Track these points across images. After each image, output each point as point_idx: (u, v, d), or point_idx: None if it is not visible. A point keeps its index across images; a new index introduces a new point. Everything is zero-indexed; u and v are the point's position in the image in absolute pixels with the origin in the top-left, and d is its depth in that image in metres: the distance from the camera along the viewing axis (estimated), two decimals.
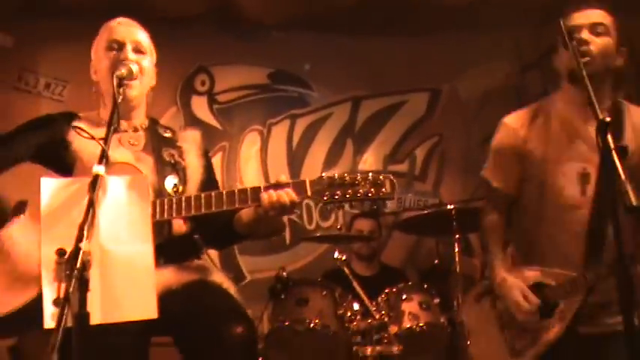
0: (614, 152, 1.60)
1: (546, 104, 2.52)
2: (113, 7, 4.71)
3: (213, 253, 2.59)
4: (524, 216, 2.49)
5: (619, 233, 1.60)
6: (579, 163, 2.32)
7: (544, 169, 2.39)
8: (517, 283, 2.35)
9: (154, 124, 2.40)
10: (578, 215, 2.32)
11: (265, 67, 5.51)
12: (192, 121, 5.29)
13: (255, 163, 5.41)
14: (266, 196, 2.04)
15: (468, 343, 2.59)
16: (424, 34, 5.24)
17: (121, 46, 2.25)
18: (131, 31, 2.30)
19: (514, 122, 2.54)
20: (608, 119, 1.69)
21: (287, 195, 2.04)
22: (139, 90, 2.27)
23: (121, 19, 2.34)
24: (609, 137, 1.64)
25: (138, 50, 2.27)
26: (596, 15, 2.36)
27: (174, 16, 4.97)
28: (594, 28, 2.32)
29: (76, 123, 2.20)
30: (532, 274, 2.37)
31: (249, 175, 5.37)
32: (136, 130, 2.31)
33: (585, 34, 2.28)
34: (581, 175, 2.32)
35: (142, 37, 2.32)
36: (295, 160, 5.44)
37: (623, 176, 1.54)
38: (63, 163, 2.14)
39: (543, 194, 2.39)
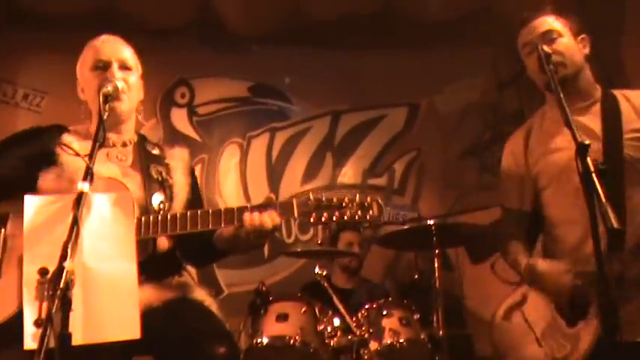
0: (594, 175, 1.64)
1: (538, 117, 2.59)
2: (94, 20, 4.78)
3: (190, 268, 2.58)
4: (548, 225, 2.51)
5: (600, 251, 1.64)
6: (590, 158, 2.32)
7: (556, 175, 2.42)
8: (536, 262, 2.38)
9: (142, 140, 2.41)
10: None
11: (246, 80, 5.54)
12: (172, 133, 5.29)
13: (235, 176, 5.40)
14: (248, 219, 2.04)
15: None
16: (403, 49, 5.29)
17: (106, 64, 2.26)
18: (116, 49, 2.30)
19: (513, 144, 2.63)
20: (587, 142, 1.72)
21: (270, 218, 2.04)
22: (129, 104, 2.28)
23: (104, 37, 2.34)
24: (589, 160, 1.68)
25: (124, 67, 2.28)
26: (542, 24, 2.43)
27: (156, 29, 4.97)
28: (545, 37, 2.38)
29: (65, 136, 2.20)
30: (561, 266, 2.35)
31: (228, 188, 5.36)
32: (124, 145, 2.31)
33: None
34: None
35: (127, 53, 2.32)
36: (275, 172, 5.44)
37: (603, 198, 1.57)
38: None
39: (560, 199, 2.41)
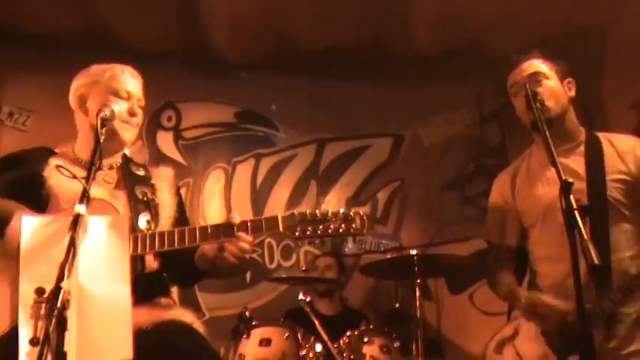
0: (576, 212, 1.71)
1: (526, 157, 2.68)
2: (82, 41, 4.81)
3: (173, 289, 2.60)
4: (533, 262, 2.59)
5: (580, 287, 1.70)
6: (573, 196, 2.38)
7: (541, 214, 2.49)
8: (540, 295, 2.43)
9: (127, 161, 2.45)
10: None
11: (232, 105, 5.58)
12: (157, 156, 5.31)
13: (219, 201, 5.42)
14: (228, 252, 2.13)
15: None
16: (389, 81, 5.37)
17: (129, 97, 2.33)
18: (137, 86, 2.39)
19: (501, 181, 2.71)
20: (570, 180, 1.79)
21: (245, 242, 2.12)
22: (132, 135, 2.36)
23: (129, 70, 2.41)
24: (572, 198, 1.75)
25: (140, 105, 2.38)
26: (530, 66, 2.53)
27: (144, 51, 4.99)
28: (533, 78, 2.47)
29: (54, 160, 2.22)
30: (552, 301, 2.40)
31: (212, 212, 5.37)
32: (111, 167, 2.36)
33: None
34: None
35: (141, 92, 2.41)
36: (259, 198, 5.47)
37: (585, 235, 1.64)
38: (38, 199, 2.16)
39: (546, 236, 2.48)
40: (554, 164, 1.91)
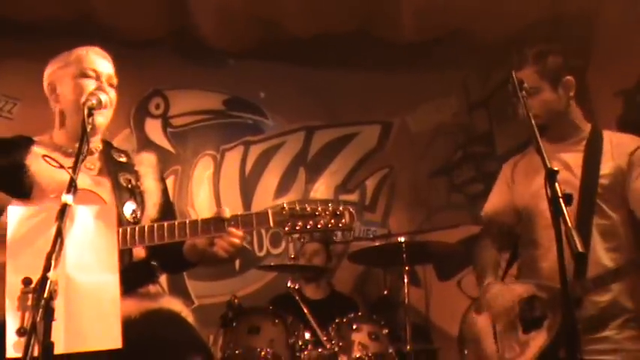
0: (561, 200, 1.72)
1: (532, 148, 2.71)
2: (70, 28, 4.78)
3: (162, 277, 2.61)
4: (523, 243, 2.66)
5: (564, 273, 1.72)
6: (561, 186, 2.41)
7: (531, 198, 2.55)
8: (501, 290, 2.55)
9: (108, 147, 2.43)
10: None
11: (221, 93, 5.58)
12: (146, 143, 5.29)
13: (208, 188, 5.42)
14: (218, 247, 2.14)
15: (466, 352, 2.74)
16: (377, 69, 5.39)
17: (98, 76, 2.30)
18: (106, 64, 2.36)
19: (507, 164, 2.79)
20: (556, 169, 1.80)
21: (236, 237, 2.13)
22: (105, 119, 2.31)
23: (95, 49, 2.38)
24: (557, 186, 1.76)
25: (110, 84, 2.34)
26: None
27: (132, 39, 4.98)
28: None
29: (36, 148, 2.22)
30: (524, 287, 2.52)
31: (201, 200, 5.37)
32: (91, 153, 2.32)
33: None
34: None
35: (112, 70, 2.37)
36: (248, 186, 5.48)
37: (570, 223, 1.65)
38: (20, 187, 2.15)
39: (535, 221, 2.55)
40: (539, 152, 1.92)
